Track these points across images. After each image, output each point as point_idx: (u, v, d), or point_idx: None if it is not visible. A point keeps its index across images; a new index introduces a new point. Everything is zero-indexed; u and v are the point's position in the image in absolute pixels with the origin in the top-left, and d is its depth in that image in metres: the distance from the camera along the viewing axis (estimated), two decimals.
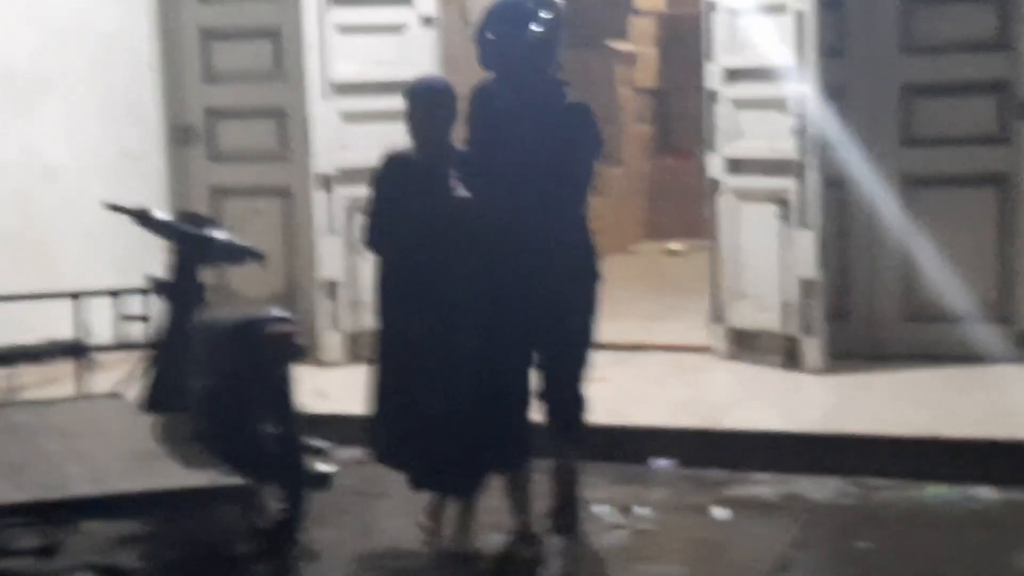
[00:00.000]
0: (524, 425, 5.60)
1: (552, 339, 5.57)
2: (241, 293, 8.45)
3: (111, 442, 5.77)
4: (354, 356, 8.14)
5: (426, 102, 5.71)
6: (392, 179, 5.64)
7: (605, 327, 8.47)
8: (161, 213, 6.45)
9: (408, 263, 5.58)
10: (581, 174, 5.53)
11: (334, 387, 7.54)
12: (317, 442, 6.32)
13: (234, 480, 5.39)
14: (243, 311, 6.52)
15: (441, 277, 5.49)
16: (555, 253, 5.49)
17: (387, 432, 5.73)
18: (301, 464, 5.77)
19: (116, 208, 6.26)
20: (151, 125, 8.84)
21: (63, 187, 7.98)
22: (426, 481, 5.67)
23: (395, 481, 6.46)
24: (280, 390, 5.63)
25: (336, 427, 6.80)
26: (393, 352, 5.63)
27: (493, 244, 5.43)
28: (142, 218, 6.32)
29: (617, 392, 7.10)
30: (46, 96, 8.27)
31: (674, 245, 11.89)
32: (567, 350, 5.61)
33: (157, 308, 6.33)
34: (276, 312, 5.80)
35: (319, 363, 8.09)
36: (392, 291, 5.66)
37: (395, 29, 8.24)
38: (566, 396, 5.61)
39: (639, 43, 11.88)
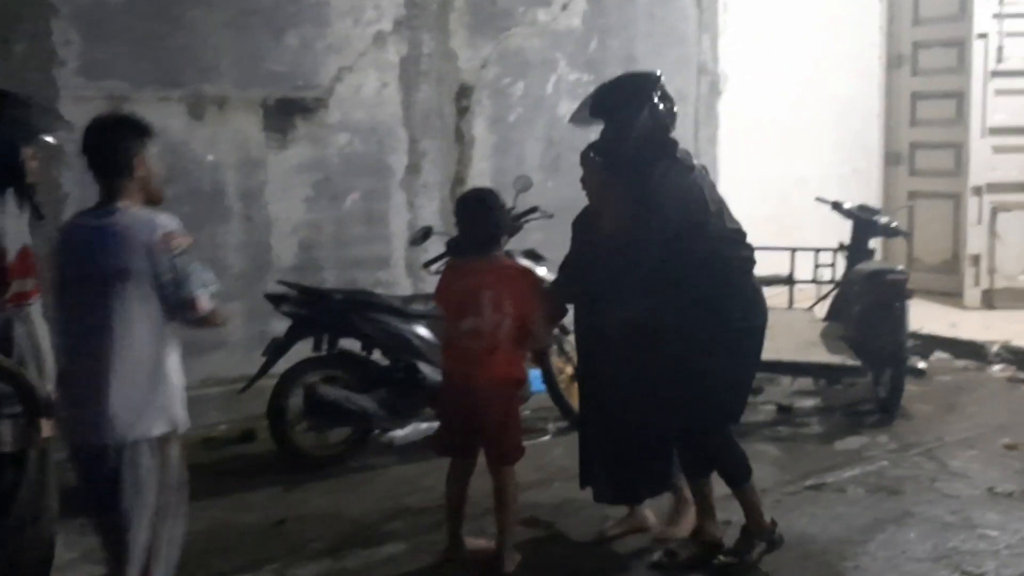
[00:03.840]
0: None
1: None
2: (920, 259, 9.58)
3: (794, 335, 6.97)
4: (986, 305, 9.35)
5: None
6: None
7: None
8: (848, 204, 7.36)
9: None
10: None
11: (964, 323, 8.92)
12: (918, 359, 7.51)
13: (855, 363, 6.62)
14: (879, 265, 7.22)
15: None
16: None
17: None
18: (905, 360, 6.68)
19: (820, 200, 7.33)
20: (872, 152, 10.04)
21: (809, 190, 8.45)
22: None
23: (987, 379, 7.78)
24: (896, 315, 6.53)
25: (958, 346, 8.37)
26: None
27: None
28: (835, 206, 7.26)
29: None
30: (799, 134, 9.44)
31: None
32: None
33: (840, 261, 7.55)
34: (896, 267, 6.73)
35: (962, 307, 9.34)
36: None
37: None
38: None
39: None
